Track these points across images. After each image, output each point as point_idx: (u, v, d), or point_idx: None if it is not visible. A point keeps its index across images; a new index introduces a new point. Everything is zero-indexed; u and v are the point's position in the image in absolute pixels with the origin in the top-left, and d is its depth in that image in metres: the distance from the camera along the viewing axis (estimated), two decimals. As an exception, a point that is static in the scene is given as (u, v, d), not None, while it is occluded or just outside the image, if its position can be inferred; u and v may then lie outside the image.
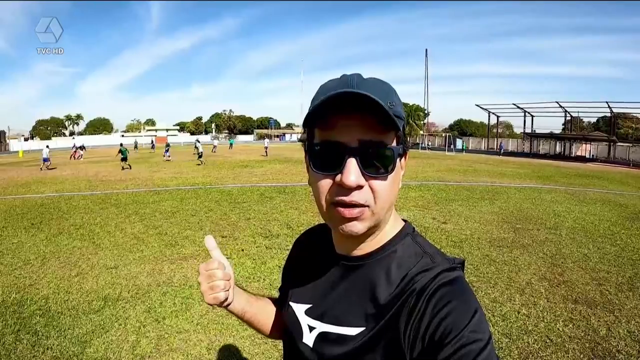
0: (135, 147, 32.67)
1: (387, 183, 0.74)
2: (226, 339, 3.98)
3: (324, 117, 0.72)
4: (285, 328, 0.98)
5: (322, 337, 0.84)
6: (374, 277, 0.80)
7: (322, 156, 0.74)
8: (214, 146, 41.88)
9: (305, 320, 0.90)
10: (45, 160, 23.63)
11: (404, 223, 0.88)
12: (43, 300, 4.80)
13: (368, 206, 0.73)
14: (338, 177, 0.71)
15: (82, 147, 36.66)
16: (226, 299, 0.91)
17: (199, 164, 24.58)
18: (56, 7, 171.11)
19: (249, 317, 1.04)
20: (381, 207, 0.75)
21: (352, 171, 0.70)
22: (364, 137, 0.71)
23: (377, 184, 0.73)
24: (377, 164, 0.72)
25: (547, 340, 3.96)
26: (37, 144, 67.96)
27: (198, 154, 26.32)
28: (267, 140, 42.00)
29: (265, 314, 1.11)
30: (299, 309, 0.92)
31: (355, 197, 0.71)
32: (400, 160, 0.78)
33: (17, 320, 4.31)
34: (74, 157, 33.16)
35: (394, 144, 0.74)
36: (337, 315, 0.83)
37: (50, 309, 4.59)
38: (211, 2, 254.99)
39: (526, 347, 3.84)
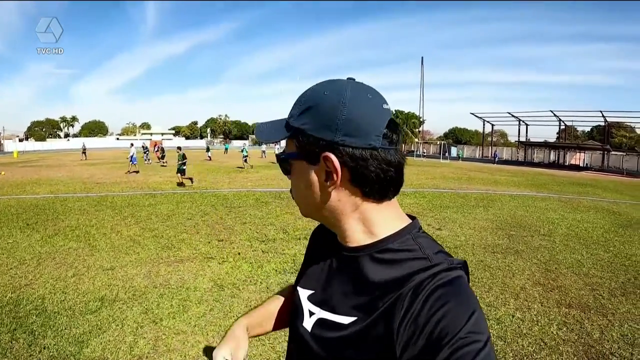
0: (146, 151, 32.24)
1: (291, 183, 0.89)
2: (223, 340, 3.99)
3: None
4: (290, 310, 1.02)
5: (320, 322, 0.87)
6: (368, 271, 0.81)
7: None
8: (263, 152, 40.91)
9: (306, 306, 0.93)
10: (245, 159, 26.48)
11: (408, 222, 0.87)
12: (39, 300, 4.80)
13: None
14: None
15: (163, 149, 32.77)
16: None
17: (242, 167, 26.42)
18: (51, 8, 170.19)
19: (261, 333, 1.17)
20: (296, 202, 0.90)
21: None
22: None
23: (291, 181, 0.89)
24: None
25: (542, 343, 4.01)
26: (31, 144, 67.86)
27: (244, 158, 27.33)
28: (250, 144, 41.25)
29: (272, 322, 1.18)
30: (303, 294, 0.96)
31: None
32: (308, 164, 0.82)
33: (13, 319, 4.31)
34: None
35: (292, 150, 0.84)
36: (333, 303, 0.85)
37: (46, 308, 4.59)
38: (205, 2, 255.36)
39: (521, 350, 3.88)
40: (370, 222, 0.82)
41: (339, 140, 0.75)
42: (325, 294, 0.89)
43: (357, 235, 0.84)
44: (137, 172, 21.85)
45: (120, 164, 27.18)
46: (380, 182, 0.78)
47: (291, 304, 1.02)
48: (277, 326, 1.17)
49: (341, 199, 0.81)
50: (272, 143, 0.91)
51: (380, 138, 0.76)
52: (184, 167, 16.43)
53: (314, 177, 0.81)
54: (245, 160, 26.83)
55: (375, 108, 0.78)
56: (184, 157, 16.53)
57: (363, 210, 0.82)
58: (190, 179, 16.50)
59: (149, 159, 31.23)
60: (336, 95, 0.77)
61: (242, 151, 28.15)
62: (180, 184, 15.95)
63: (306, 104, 0.80)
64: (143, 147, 33.78)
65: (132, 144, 25.49)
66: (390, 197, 0.83)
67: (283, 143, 0.89)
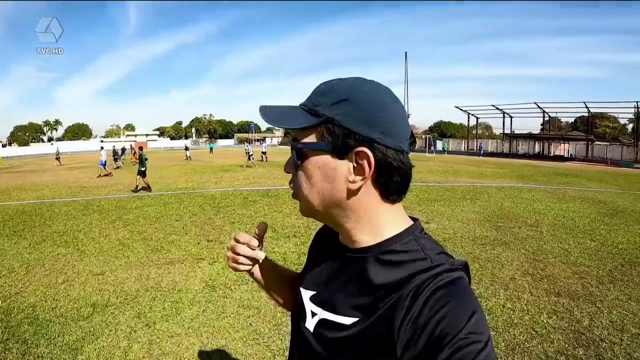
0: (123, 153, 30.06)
1: (301, 175, 0.83)
2: (218, 341, 4.00)
3: None
4: (293, 310, 1.03)
5: (322, 323, 0.87)
6: (370, 272, 0.81)
7: None
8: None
9: (309, 306, 0.93)
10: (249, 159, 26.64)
11: (411, 223, 0.87)
12: (30, 309, 4.75)
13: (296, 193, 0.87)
14: None
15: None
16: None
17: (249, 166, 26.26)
18: (33, 9, 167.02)
19: (268, 289, 1.18)
20: (302, 197, 0.84)
21: (287, 162, 0.86)
22: (295, 135, 0.83)
23: (297, 175, 0.84)
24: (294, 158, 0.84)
25: (533, 332, 4.09)
26: (15, 150, 66.92)
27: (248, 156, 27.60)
28: (266, 142, 41.66)
29: (284, 289, 1.19)
30: (306, 295, 0.96)
31: (291, 182, 0.87)
32: (333, 157, 0.79)
33: (5, 329, 4.26)
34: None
35: (312, 139, 0.80)
36: (335, 304, 0.85)
37: (38, 317, 4.54)
38: (188, 3, 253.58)
39: (512, 339, 3.95)
40: (378, 223, 0.83)
41: (376, 137, 0.76)
42: (327, 295, 0.90)
43: (363, 236, 0.84)
44: (102, 175, 21.21)
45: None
46: (401, 184, 0.81)
47: (294, 305, 1.03)
48: (270, 286, 1.18)
49: (360, 197, 0.80)
50: (280, 129, 0.90)
51: (407, 143, 0.80)
52: (144, 169, 15.02)
53: (338, 170, 0.79)
54: (250, 158, 27.00)
55: (404, 115, 0.82)
56: (143, 158, 15.30)
57: (375, 210, 0.83)
58: (148, 185, 14.96)
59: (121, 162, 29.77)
60: (379, 94, 0.80)
61: (247, 152, 28.29)
62: (135, 189, 14.76)
63: (342, 96, 0.78)
64: (122, 149, 33.16)
65: (102, 147, 24.95)
66: (400, 200, 0.85)
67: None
